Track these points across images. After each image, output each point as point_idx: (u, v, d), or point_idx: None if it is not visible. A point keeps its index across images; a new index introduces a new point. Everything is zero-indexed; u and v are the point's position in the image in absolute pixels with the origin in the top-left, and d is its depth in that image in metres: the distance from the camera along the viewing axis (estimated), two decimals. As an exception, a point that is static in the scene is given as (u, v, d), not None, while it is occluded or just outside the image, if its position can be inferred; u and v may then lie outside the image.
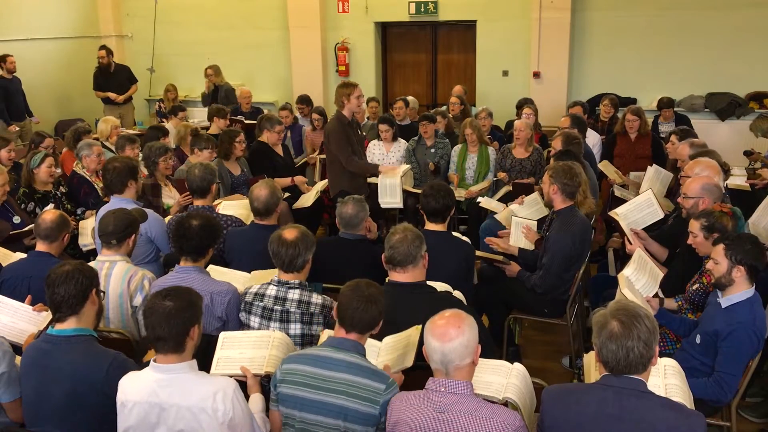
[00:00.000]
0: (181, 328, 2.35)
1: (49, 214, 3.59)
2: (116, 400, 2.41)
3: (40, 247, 3.54)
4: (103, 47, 9.09)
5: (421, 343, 2.30)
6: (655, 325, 2.17)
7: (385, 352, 2.77)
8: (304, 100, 7.96)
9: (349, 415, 2.34)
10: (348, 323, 2.47)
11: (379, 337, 2.78)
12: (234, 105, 8.37)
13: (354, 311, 2.45)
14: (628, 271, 3.46)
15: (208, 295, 3.12)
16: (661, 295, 3.56)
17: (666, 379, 2.60)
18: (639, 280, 3.47)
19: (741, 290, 3.03)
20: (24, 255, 3.73)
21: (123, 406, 2.40)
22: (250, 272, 3.56)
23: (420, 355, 2.34)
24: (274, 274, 3.18)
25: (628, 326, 2.11)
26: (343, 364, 2.39)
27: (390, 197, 5.48)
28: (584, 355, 2.84)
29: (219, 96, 8.72)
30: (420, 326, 2.67)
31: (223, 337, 2.81)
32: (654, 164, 5.25)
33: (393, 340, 2.79)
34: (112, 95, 8.98)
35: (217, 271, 3.46)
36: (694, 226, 3.44)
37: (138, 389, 2.37)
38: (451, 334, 2.18)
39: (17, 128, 8.12)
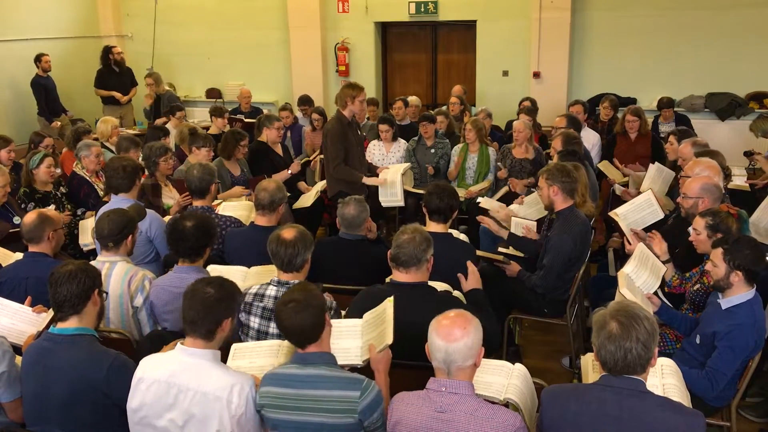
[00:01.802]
0: (214, 317, 2.41)
1: (29, 216, 3.55)
2: (132, 376, 2.45)
3: (33, 248, 3.54)
4: (114, 47, 9.17)
5: (424, 340, 2.29)
6: (655, 327, 2.17)
7: (367, 330, 2.75)
8: (306, 101, 7.95)
9: (328, 430, 2.31)
10: (294, 340, 2.43)
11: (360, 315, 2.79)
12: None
13: (291, 327, 2.38)
14: (628, 268, 3.46)
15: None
16: (661, 295, 3.57)
17: (663, 378, 2.60)
18: (640, 277, 3.47)
19: (740, 292, 3.03)
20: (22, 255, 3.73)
21: (140, 382, 2.42)
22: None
23: (422, 355, 2.34)
24: (272, 270, 3.17)
25: (627, 327, 2.11)
26: (313, 380, 2.34)
27: (391, 195, 5.48)
28: (582, 357, 2.84)
29: (162, 105, 8.17)
30: (392, 298, 2.70)
31: (234, 348, 2.82)
32: (656, 162, 5.25)
33: (371, 315, 2.78)
34: (117, 95, 8.99)
35: (215, 270, 3.45)
36: (699, 223, 3.43)
37: (160, 368, 2.41)
38: (456, 335, 2.18)
39: (59, 124, 8.40)
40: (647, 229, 4.17)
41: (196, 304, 2.40)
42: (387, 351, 2.60)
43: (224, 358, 2.72)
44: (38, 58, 8.47)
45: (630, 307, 2.20)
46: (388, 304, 2.71)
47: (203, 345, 2.41)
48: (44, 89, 8.45)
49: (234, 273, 3.52)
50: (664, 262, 3.67)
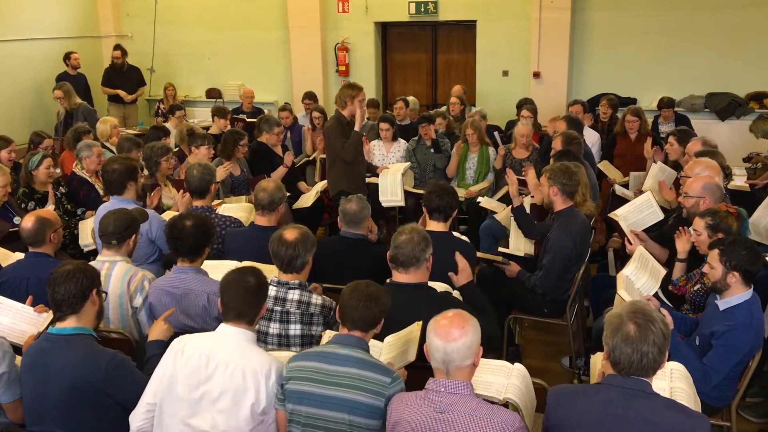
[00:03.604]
0: (258, 303, 2.60)
1: (27, 221, 3.52)
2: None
3: (34, 249, 3.54)
4: (118, 47, 9.17)
5: (422, 340, 2.29)
6: (669, 330, 2.16)
7: (387, 351, 2.78)
8: (312, 96, 8.06)
9: (356, 408, 2.35)
10: (349, 322, 2.51)
11: (380, 337, 2.79)
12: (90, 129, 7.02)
13: (354, 310, 2.48)
14: (628, 270, 3.45)
15: (205, 296, 3.12)
16: (661, 295, 3.56)
17: (672, 382, 2.59)
18: (639, 279, 3.46)
19: (738, 293, 3.03)
20: (23, 255, 3.72)
21: (179, 353, 2.49)
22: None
23: (420, 355, 2.34)
24: (266, 268, 3.17)
25: (645, 330, 2.10)
26: (348, 359, 2.41)
27: (391, 195, 5.47)
28: (591, 357, 2.82)
29: (76, 120, 7.29)
30: (420, 322, 2.70)
31: None
32: (658, 161, 5.25)
33: (394, 338, 2.80)
34: (122, 93, 9.03)
35: (208, 266, 3.41)
36: (699, 224, 3.43)
37: (202, 342, 2.51)
38: (455, 334, 2.18)
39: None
40: (648, 230, 4.18)
41: (241, 292, 2.55)
42: (403, 371, 2.64)
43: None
44: (67, 56, 8.61)
45: (646, 308, 2.19)
46: (416, 327, 2.73)
47: (247, 328, 2.56)
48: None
49: (227, 268, 3.52)
50: (680, 260, 3.65)
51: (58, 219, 3.73)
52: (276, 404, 2.49)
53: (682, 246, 3.70)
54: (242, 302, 2.54)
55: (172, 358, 2.50)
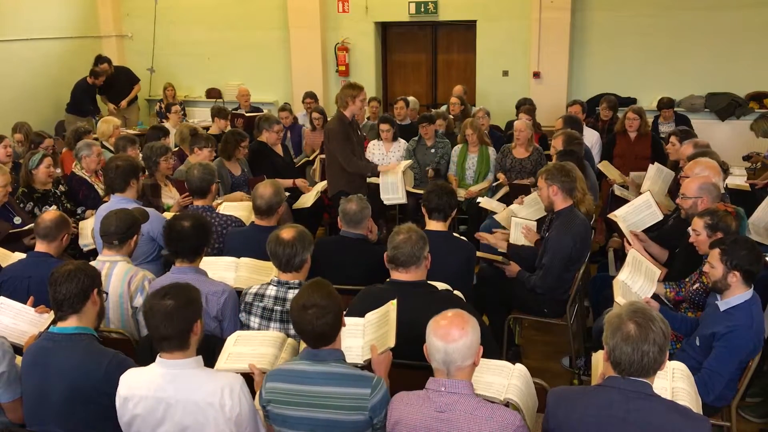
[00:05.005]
0: (184, 325, 2.35)
1: (49, 214, 3.61)
2: (116, 396, 2.40)
3: (40, 247, 3.54)
4: (104, 61, 8.92)
5: (423, 340, 2.29)
6: (669, 329, 2.15)
7: (369, 330, 2.76)
8: (313, 96, 8.12)
9: (338, 427, 2.32)
10: (311, 343, 2.40)
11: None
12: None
13: (310, 332, 2.35)
14: (623, 276, 3.45)
15: (203, 296, 3.11)
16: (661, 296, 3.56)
17: (674, 382, 2.58)
18: (635, 283, 3.46)
19: (738, 293, 3.02)
20: (23, 255, 3.73)
21: (126, 401, 2.38)
22: (249, 275, 3.57)
23: (421, 355, 2.34)
24: (265, 266, 3.15)
25: (645, 329, 2.09)
26: (323, 377, 2.34)
27: (392, 193, 5.47)
28: (593, 355, 2.82)
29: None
30: (395, 300, 2.69)
31: (237, 335, 2.84)
32: (656, 162, 5.25)
33: (374, 316, 2.79)
34: (111, 106, 8.98)
35: (205, 263, 3.40)
36: (698, 224, 3.42)
37: (145, 384, 2.37)
38: (455, 335, 2.17)
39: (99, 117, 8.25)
40: (647, 231, 4.18)
41: (161, 319, 2.32)
42: (388, 353, 2.61)
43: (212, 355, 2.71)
44: (95, 74, 8.57)
45: (645, 308, 2.18)
46: (392, 307, 2.71)
47: (182, 355, 2.37)
48: (86, 93, 8.60)
49: (224, 264, 3.56)
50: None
51: (71, 225, 3.75)
52: (268, 421, 2.46)
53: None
54: (165, 329, 2.32)
55: (121, 406, 2.39)
